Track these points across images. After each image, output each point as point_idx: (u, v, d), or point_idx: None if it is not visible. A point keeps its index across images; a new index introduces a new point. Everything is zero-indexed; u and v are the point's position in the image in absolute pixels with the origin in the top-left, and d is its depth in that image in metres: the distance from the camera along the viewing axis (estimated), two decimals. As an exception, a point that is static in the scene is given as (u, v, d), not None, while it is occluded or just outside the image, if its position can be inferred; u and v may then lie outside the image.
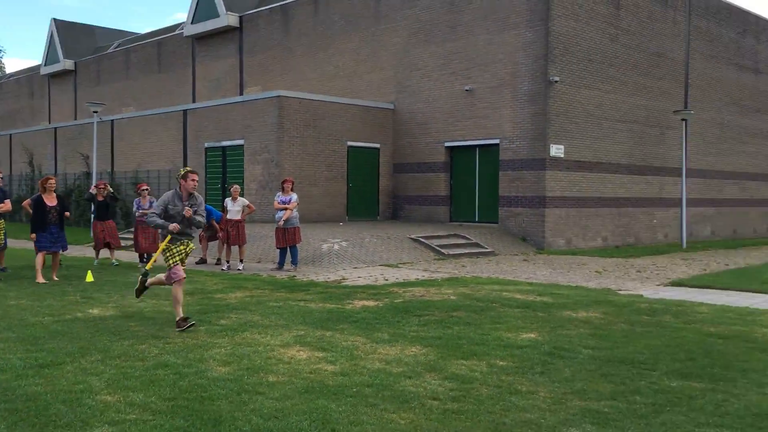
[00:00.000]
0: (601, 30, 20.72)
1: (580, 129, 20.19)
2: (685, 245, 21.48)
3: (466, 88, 20.90)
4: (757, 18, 27.86)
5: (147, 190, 15.45)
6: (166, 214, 7.98)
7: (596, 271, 14.58)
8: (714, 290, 11.89)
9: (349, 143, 21.97)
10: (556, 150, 19.47)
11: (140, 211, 15.12)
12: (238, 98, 22.41)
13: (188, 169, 8.17)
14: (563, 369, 6.25)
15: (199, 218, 8.11)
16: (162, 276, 8.40)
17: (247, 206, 14.88)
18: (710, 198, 25.45)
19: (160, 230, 8.14)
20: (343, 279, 12.81)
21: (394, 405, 5.11)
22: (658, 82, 22.88)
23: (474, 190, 21.50)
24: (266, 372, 6.02)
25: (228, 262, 14.76)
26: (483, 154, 21.11)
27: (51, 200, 12.34)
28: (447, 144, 21.71)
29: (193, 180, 8.05)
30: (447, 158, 21.89)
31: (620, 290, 11.76)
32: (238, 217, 14.67)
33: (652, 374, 6.09)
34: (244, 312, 9.05)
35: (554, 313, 9.11)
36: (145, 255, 15.33)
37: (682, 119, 21.81)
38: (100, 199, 15.50)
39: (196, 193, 8.19)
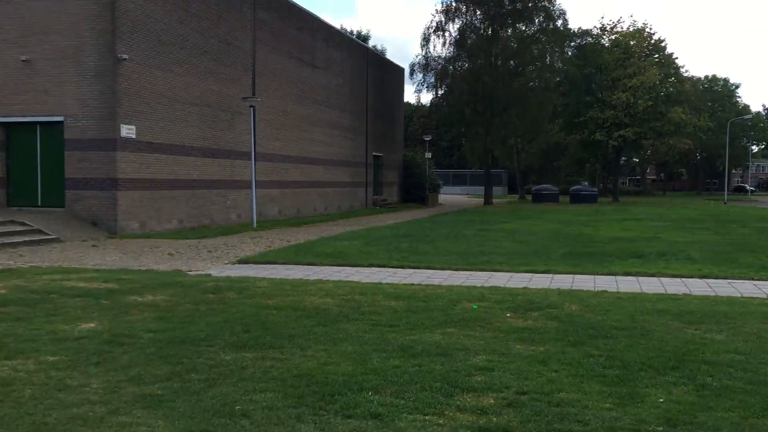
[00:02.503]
0: (170, 12, 20.62)
1: (152, 110, 19.85)
2: (255, 225, 22.87)
3: (23, 58, 18.77)
4: (314, 18, 30.95)
5: None
6: None
7: (168, 254, 14.58)
8: (276, 265, 12.91)
9: None
10: (128, 130, 18.83)
11: None
12: None
13: None
14: (121, 356, 6.08)
15: None
16: None
17: None
18: (277, 180, 27.55)
19: None
20: None
21: None
22: (228, 69, 23.79)
23: (36, 171, 19.53)
24: None
25: None
26: (45, 132, 19.28)
27: None
28: (1, 120, 19.25)
29: None
30: (2, 136, 19.44)
31: (190, 271, 11.96)
32: None
33: (210, 350, 6.32)
34: None
35: (119, 299, 8.81)
36: None
37: (251, 105, 23.08)
38: None
39: None
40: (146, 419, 4.51)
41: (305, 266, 12.81)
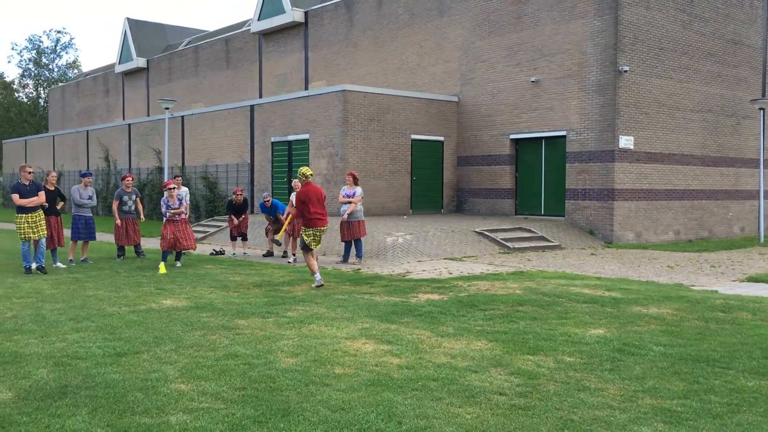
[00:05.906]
0: (673, 17, 20.06)
1: (650, 120, 19.61)
2: (762, 239, 20.62)
3: (532, 79, 20.58)
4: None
5: (174, 188, 13.58)
6: None
7: (668, 266, 14.17)
8: (794, 287, 11.40)
9: (413, 136, 21.96)
10: (626, 141, 18.98)
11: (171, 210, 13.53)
12: (304, 93, 22.68)
13: None
14: (633, 366, 6.11)
15: None
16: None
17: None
18: (790, 190, 24.33)
19: None
20: (408, 272, 12.84)
21: (459, 399, 5.11)
22: (734, 70, 22.01)
23: (540, 182, 21.18)
24: (333, 364, 6.11)
25: (294, 254, 14.99)
26: (549, 146, 20.76)
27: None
28: (512, 136, 21.44)
29: None
30: (512, 151, 21.63)
31: (693, 286, 11.41)
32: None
33: (727, 373, 5.90)
34: (310, 304, 9.19)
35: (623, 308, 8.90)
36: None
37: (760, 108, 20.92)
38: (237, 204, 16.35)
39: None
40: (668, 435, 4.42)
41: (834, 290, 10.99)
